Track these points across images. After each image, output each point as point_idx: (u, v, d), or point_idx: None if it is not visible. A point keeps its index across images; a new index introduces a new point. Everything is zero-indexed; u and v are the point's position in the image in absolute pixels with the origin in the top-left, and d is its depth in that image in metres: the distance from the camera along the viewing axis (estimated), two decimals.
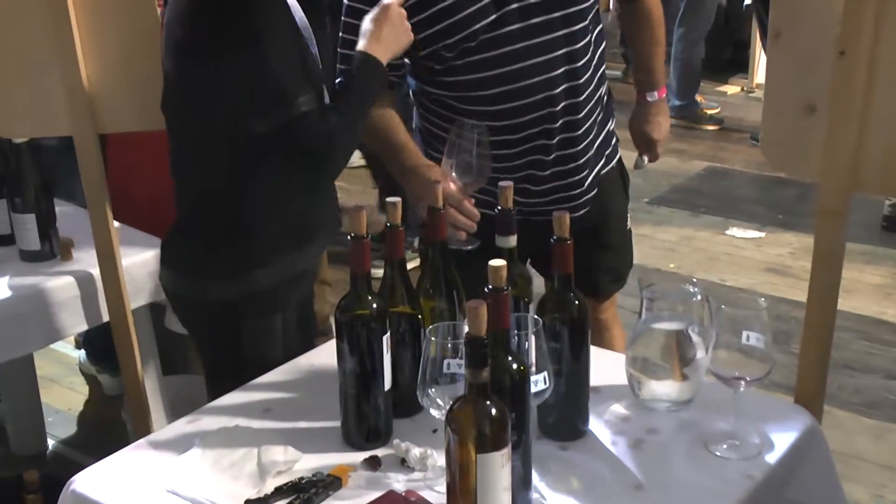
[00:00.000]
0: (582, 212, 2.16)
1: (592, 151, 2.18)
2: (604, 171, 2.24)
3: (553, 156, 2.11)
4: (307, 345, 1.99)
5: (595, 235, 2.21)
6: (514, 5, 1.99)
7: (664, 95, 2.43)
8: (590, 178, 2.19)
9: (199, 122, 1.87)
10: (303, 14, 1.90)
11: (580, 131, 2.12)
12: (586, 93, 2.11)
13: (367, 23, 1.86)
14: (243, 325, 1.93)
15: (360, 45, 1.85)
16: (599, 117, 2.19)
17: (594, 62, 2.13)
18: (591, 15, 2.09)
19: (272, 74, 1.76)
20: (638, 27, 2.38)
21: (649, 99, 2.41)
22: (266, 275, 1.91)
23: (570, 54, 2.06)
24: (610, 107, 2.26)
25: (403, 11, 1.87)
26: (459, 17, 1.97)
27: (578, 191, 2.17)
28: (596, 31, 2.13)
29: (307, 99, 1.78)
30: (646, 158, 2.47)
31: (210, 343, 2.03)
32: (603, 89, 2.21)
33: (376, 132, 2.04)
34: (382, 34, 1.84)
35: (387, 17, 1.85)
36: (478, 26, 1.98)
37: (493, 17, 1.98)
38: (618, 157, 2.32)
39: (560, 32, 2.03)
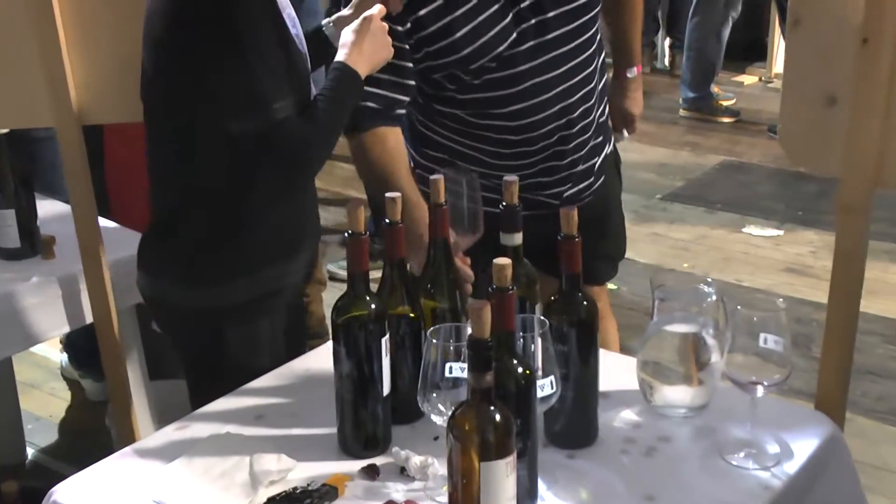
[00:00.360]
0: (587, 200, 2.20)
1: (599, 140, 2.22)
2: (608, 154, 2.29)
3: (568, 159, 2.15)
4: (298, 350, 2.00)
5: (596, 223, 2.24)
6: (532, 21, 2.02)
7: (641, 71, 2.52)
8: (597, 166, 2.23)
9: (176, 119, 1.88)
10: (293, 11, 1.91)
11: (591, 131, 2.18)
12: (596, 92, 2.17)
13: (347, 34, 1.88)
14: (227, 332, 1.94)
15: (340, 56, 1.87)
16: (601, 105, 2.23)
17: (598, 56, 2.17)
18: (598, 17, 2.14)
19: (250, 75, 1.77)
20: (617, 4, 2.42)
21: (629, 76, 2.49)
22: (249, 284, 1.92)
23: (585, 61, 2.11)
24: (606, 90, 2.30)
25: (385, 25, 1.89)
26: (482, 42, 2.00)
27: (587, 182, 2.21)
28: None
29: (285, 104, 1.79)
30: (625, 132, 2.53)
31: (191, 350, 2.03)
32: (604, 79, 2.25)
33: (377, 174, 2.04)
34: (363, 46, 1.86)
35: (368, 30, 1.86)
36: (501, 48, 2.00)
37: (514, 36, 2.00)
38: (612, 137, 2.37)
39: (575, 42, 2.09)
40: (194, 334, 1.99)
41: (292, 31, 1.88)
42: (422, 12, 1.96)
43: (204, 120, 1.83)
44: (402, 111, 2.06)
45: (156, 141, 1.95)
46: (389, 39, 1.90)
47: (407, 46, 1.98)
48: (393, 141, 2.04)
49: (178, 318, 2.00)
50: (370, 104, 1.99)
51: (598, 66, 2.18)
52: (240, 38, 1.77)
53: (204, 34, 1.79)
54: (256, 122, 1.78)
